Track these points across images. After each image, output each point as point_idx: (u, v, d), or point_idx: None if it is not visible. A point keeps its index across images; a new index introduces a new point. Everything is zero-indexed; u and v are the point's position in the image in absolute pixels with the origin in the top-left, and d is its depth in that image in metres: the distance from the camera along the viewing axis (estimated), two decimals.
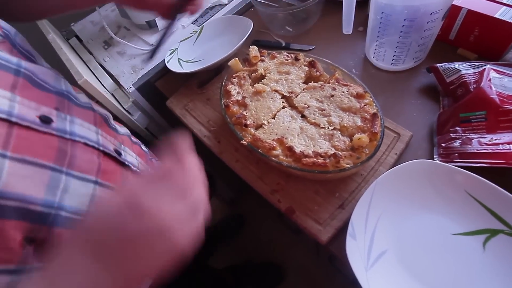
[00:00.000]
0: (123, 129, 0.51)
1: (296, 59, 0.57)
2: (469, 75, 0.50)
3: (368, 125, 0.45)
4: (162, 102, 0.70)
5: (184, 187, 0.26)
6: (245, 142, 0.48)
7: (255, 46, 0.60)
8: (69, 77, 0.46)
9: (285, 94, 0.54)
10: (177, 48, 0.73)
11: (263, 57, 0.60)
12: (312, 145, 0.46)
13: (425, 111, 0.54)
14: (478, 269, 0.38)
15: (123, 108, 0.74)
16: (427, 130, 0.52)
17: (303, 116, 0.51)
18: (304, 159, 0.44)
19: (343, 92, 0.50)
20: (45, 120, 0.31)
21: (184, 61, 0.71)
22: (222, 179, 1.22)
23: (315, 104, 0.51)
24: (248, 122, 0.50)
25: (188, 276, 0.64)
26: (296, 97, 0.53)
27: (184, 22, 0.83)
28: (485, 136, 0.45)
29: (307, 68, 0.56)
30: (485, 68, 0.49)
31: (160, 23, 0.80)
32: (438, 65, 0.54)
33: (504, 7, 0.52)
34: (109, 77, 0.77)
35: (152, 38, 0.79)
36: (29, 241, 0.28)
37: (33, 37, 0.46)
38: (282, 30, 0.74)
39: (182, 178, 0.26)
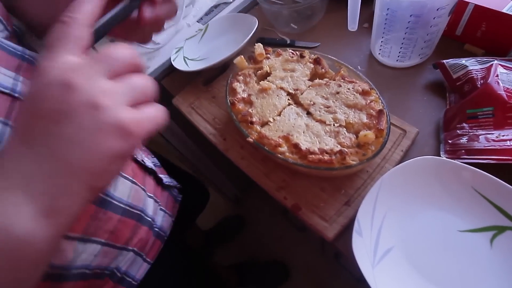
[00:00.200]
0: None
1: (301, 56, 0.57)
2: (476, 71, 0.50)
3: (374, 122, 0.45)
4: (168, 100, 0.70)
5: (120, 69, 0.23)
6: (251, 140, 0.48)
7: (260, 44, 0.60)
8: None
9: (290, 91, 0.54)
10: (183, 47, 0.74)
11: (268, 55, 0.60)
12: (318, 142, 0.47)
13: (431, 107, 0.54)
14: (485, 266, 0.38)
15: None
16: (433, 127, 0.52)
17: (308, 113, 0.51)
18: (310, 156, 0.44)
19: (348, 89, 0.50)
20: None
21: (190, 59, 0.72)
22: (227, 177, 1.23)
23: (320, 101, 0.51)
24: (254, 120, 0.50)
25: (190, 274, 0.65)
26: (302, 94, 0.53)
27: (190, 21, 0.83)
28: (493, 132, 0.45)
29: (312, 65, 0.56)
30: (492, 64, 0.48)
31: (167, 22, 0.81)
32: (444, 61, 0.54)
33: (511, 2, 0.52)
34: None
35: (157, 37, 0.79)
36: None
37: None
38: (287, 28, 0.74)
39: (117, 59, 0.23)
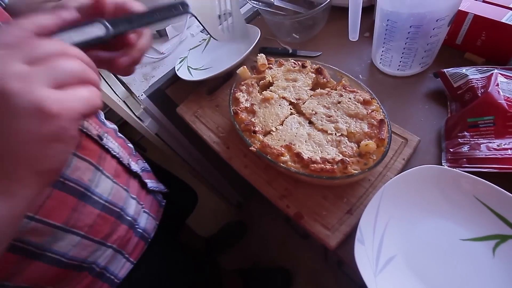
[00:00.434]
0: (112, 125, 0.57)
1: (303, 66, 0.58)
2: (477, 80, 0.50)
3: (375, 131, 0.46)
4: (173, 108, 0.71)
5: (43, 55, 0.22)
6: (253, 149, 0.49)
7: (262, 54, 0.61)
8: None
9: (292, 101, 0.55)
10: (187, 56, 0.75)
11: (270, 65, 0.61)
12: (319, 151, 0.47)
13: (432, 116, 0.54)
14: (487, 275, 0.38)
15: (135, 115, 0.76)
16: (434, 135, 0.52)
17: (310, 122, 0.52)
18: (312, 165, 0.44)
19: (350, 98, 0.51)
20: None
21: (194, 69, 0.73)
22: (230, 183, 1.23)
23: (322, 110, 0.52)
24: (257, 129, 0.51)
25: (186, 276, 0.66)
26: (304, 103, 0.54)
27: (193, 31, 0.85)
28: (494, 141, 0.45)
29: (314, 75, 0.57)
30: (492, 73, 0.49)
31: (171, 32, 0.82)
32: (445, 70, 0.54)
33: (511, 11, 0.52)
34: (121, 85, 0.79)
35: (163, 47, 0.81)
36: None
37: None
38: (289, 37, 0.76)
39: (39, 47, 0.23)
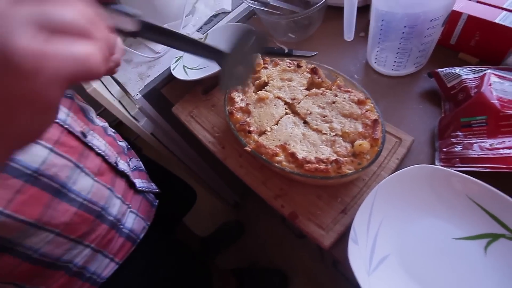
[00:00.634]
0: (102, 123, 0.56)
1: (298, 66, 0.58)
2: (470, 80, 0.51)
3: (369, 131, 0.46)
4: (168, 108, 0.71)
5: None
6: (248, 149, 0.49)
7: (258, 54, 0.61)
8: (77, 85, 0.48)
9: (287, 100, 0.55)
10: (183, 56, 0.75)
11: (266, 65, 0.61)
12: (314, 151, 0.47)
13: (426, 116, 0.55)
14: (479, 273, 0.39)
15: (130, 114, 0.76)
16: (428, 135, 0.52)
17: (305, 122, 0.52)
18: (307, 165, 0.44)
19: (344, 98, 0.51)
20: None
21: (189, 68, 0.73)
22: (226, 183, 1.23)
23: (317, 110, 0.52)
24: (252, 129, 0.51)
25: (190, 277, 0.66)
26: (299, 103, 0.54)
27: (189, 30, 0.85)
28: (486, 140, 0.45)
29: (309, 75, 0.57)
30: (485, 73, 0.49)
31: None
32: (439, 70, 0.55)
33: (504, 12, 0.53)
34: (116, 85, 0.79)
35: (158, 46, 0.81)
36: None
37: None
38: (285, 37, 0.76)
39: None
